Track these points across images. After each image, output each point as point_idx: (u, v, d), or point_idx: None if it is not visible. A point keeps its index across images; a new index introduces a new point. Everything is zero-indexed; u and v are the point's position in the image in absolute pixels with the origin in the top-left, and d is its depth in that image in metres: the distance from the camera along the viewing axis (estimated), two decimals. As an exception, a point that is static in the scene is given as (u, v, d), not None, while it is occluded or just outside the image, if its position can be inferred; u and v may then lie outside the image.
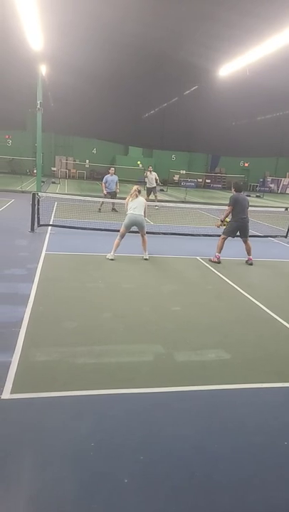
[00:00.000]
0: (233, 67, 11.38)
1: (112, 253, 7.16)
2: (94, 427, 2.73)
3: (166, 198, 20.55)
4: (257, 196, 26.75)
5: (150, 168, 14.98)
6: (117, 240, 7.22)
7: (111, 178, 12.61)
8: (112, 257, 7.11)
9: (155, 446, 2.60)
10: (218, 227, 7.83)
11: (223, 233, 7.56)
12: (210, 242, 9.78)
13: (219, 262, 7.43)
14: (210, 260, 7.53)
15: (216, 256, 7.51)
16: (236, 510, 2.21)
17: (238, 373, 3.59)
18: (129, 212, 7.16)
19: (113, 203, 12.83)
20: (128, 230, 7.23)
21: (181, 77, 13.61)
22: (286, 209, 11.12)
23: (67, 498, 2.18)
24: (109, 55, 11.62)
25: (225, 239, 7.51)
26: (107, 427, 2.75)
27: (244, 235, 7.52)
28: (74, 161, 32.22)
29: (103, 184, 12.60)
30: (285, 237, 10.54)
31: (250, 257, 7.58)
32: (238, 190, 7.59)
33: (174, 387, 3.27)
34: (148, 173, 14.62)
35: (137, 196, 7.18)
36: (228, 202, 7.54)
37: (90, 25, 9.30)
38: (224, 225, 7.67)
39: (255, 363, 3.80)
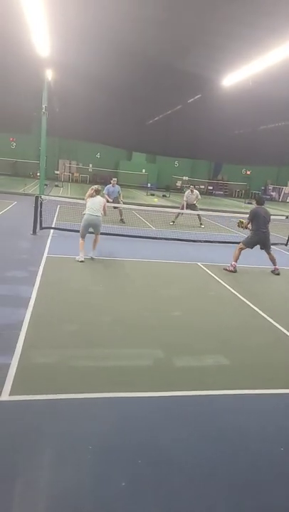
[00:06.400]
0: (236, 77, 11.49)
1: (80, 255, 7.01)
2: (92, 430, 2.74)
3: (169, 204, 20.66)
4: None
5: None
6: (80, 241, 7.12)
7: (112, 188, 11.91)
8: (82, 259, 6.97)
9: (153, 450, 2.61)
10: (240, 227, 7.88)
11: (242, 243, 7.52)
12: (211, 248, 9.83)
13: (235, 271, 7.34)
14: (224, 269, 7.41)
15: (231, 265, 7.40)
16: (232, 516, 2.21)
17: (236, 379, 3.60)
18: (85, 212, 7.04)
19: (120, 214, 12.42)
20: (87, 230, 7.12)
21: (185, 86, 13.71)
22: (287, 217, 11.17)
23: (63, 500, 2.19)
24: (116, 63, 11.73)
25: (242, 249, 7.44)
26: (106, 430, 2.76)
27: (266, 247, 7.51)
28: (77, 164, 32.41)
29: (106, 195, 11.77)
30: (286, 245, 10.57)
31: (277, 266, 7.55)
32: (259, 203, 7.60)
33: (172, 392, 3.28)
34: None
35: (93, 196, 7.04)
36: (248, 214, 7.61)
37: (98, 33, 9.40)
38: (242, 227, 7.69)
39: (253, 369, 3.82)
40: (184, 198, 13.28)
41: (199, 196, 13.57)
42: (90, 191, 7.14)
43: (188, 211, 12.94)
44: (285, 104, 13.64)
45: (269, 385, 3.56)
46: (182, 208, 13.14)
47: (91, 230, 7.20)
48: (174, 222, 13.16)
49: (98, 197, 7.11)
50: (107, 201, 11.77)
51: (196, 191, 13.38)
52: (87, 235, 7.28)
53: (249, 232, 7.65)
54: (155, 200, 12.31)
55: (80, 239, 7.16)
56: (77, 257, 7.06)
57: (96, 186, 7.25)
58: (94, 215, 6.97)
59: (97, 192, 7.12)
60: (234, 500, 2.29)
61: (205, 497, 2.29)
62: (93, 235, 7.33)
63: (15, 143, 31.01)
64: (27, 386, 3.14)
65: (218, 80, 12.13)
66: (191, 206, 13.28)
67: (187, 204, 13.16)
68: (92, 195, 7.07)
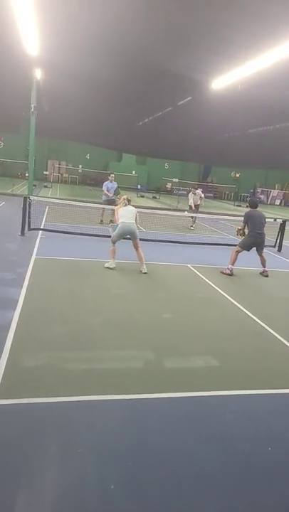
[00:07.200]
0: (226, 80, 11.62)
1: (111, 261, 6.90)
2: (82, 434, 2.70)
3: (159, 206, 20.70)
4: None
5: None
6: (112, 248, 7.00)
7: (111, 184, 12.12)
8: (113, 265, 6.85)
9: (144, 452, 2.59)
10: (239, 235, 7.88)
11: (238, 245, 7.56)
12: (201, 250, 9.88)
13: (232, 274, 7.34)
14: (221, 272, 7.40)
15: (228, 268, 7.40)
16: (223, 518, 2.20)
17: (226, 380, 3.61)
18: (120, 221, 6.94)
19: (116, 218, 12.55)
20: (120, 238, 7.01)
21: (175, 88, 13.78)
22: (275, 220, 11.30)
23: (53, 504, 2.15)
24: (106, 63, 11.71)
25: (239, 252, 7.46)
26: (96, 433, 2.73)
27: (260, 249, 7.58)
28: (67, 165, 32.22)
29: (106, 191, 12.08)
30: (274, 246, 10.69)
31: (266, 268, 7.59)
32: (253, 206, 7.71)
33: (163, 394, 3.26)
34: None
35: (126, 205, 7.03)
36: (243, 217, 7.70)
37: (88, 33, 9.37)
38: (241, 234, 7.73)
39: (243, 370, 3.83)
40: (190, 202, 13.47)
41: (202, 195, 13.79)
42: (122, 201, 7.13)
43: (193, 214, 13.22)
44: (273, 107, 13.83)
45: (258, 386, 3.58)
46: (191, 209, 13.46)
47: (127, 236, 7.01)
48: (192, 226, 13.48)
49: (130, 206, 7.08)
50: (108, 197, 11.85)
51: (198, 192, 13.64)
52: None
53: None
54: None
55: (112, 245, 7.00)
56: (107, 264, 6.90)
57: (126, 196, 7.28)
58: (129, 222, 6.86)
59: (129, 201, 7.11)
60: (224, 500, 2.28)
61: (196, 497, 2.27)
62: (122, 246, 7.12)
63: (3, 142, 30.69)
64: (15, 390, 3.08)
65: (208, 83, 12.23)
66: (195, 207, 13.50)
67: (194, 205, 13.48)
68: (124, 205, 7.02)
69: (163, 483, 2.35)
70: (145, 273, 6.84)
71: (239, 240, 7.98)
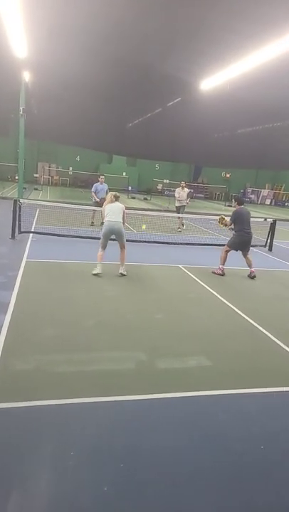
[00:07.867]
0: (215, 81, 11.71)
1: (97, 267, 6.54)
2: (75, 436, 2.69)
3: (150, 207, 20.73)
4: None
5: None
6: (99, 252, 6.66)
7: (101, 186, 12.05)
8: (99, 271, 6.50)
9: (137, 453, 2.58)
10: (221, 223, 7.82)
11: (227, 245, 7.48)
12: (192, 250, 9.91)
13: (223, 274, 7.33)
14: (213, 272, 7.39)
15: (219, 268, 7.38)
16: (216, 517, 2.21)
17: (218, 380, 3.62)
18: (105, 219, 6.66)
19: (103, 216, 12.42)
20: (108, 239, 6.70)
21: (165, 89, 13.85)
22: (265, 219, 11.39)
23: (49, 506, 2.13)
24: (95, 65, 11.71)
25: (228, 251, 7.39)
26: (89, 435, 2.71)
27: (245, 250, 7.44)
28: (57, 167, 32.06)
29: (93, 193, 12.00)
30: (264, 246, 10.78)
31: (252, 269, 7.45)
32: (240, 203, 7.60)
33: (156, 395, 3.26)
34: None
35: (112, 201, 6.64)
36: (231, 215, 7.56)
37: (77, 35, 9.38)
38: (223, 223, 7.67)
39: (235, 369, 3.85)
40: (176, 195, 13.33)
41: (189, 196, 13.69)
42: (108, 197, 6.77)
43: (176, 215, 13.05)
44: (262, 108, 13.98)
45: (250, 385, 3.60)
46: (177, 210, 13.38)
47: (113, 237, 6.70)
48: (180, 228, 13.36)
49: (117, 203, 6.66)
50: (95, 200, 11.78)
51: (186, 189, 13.47)
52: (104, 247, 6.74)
53: (232, 233, 7.67)
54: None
55: (100, 250, 6.63)
56: (93, 271, 6.51)
57: (115, 192, 6.89)
58: (113, 220, 6.49)
59: (117, 198, 6.73)
60: (218, 500, 2.29)
61: (191, 497, 2.28)
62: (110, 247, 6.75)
63: (-8, 145, 30.30)
64: (6, 393, 3.05)
65: (197, 84, 12.31)
66: (181, 208, 13.33)
67: (178, 206, 13.30)
68: (111, 201, 6.65)
69: (158, 484, 2.35)
70: (123, 275, 6.66)
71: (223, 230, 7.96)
